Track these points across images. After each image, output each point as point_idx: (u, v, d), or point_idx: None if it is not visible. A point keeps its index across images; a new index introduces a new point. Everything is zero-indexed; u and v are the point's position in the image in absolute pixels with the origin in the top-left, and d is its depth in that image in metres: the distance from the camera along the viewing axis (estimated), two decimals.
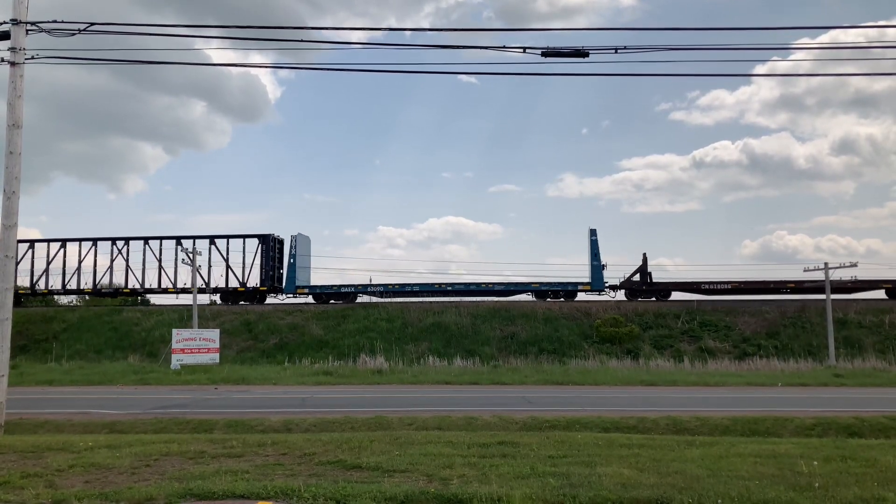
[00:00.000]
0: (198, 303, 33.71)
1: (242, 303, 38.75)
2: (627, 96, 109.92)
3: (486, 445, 8.93)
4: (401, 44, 12.63)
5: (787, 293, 36.40)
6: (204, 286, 38.01)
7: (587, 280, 37.46)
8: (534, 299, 38.34)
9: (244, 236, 38.41)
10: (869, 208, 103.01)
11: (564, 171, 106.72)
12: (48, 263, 39.53)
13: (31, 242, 40.17)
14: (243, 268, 38.12)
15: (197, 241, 38.11)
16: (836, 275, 33.46)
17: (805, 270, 33.97)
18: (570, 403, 16.93)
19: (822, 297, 32.97)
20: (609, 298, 37.77)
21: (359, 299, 39.07)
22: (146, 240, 38.59)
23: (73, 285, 39.48)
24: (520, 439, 9.59)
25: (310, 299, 38.93)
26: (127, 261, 38.75)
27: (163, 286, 38.33)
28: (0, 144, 12.78)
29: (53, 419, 14.35)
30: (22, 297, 40.42)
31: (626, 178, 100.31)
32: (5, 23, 11.56)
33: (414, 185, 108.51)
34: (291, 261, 37.92)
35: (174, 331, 29.69)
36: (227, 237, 38.54)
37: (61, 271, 39.48)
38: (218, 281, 38.34)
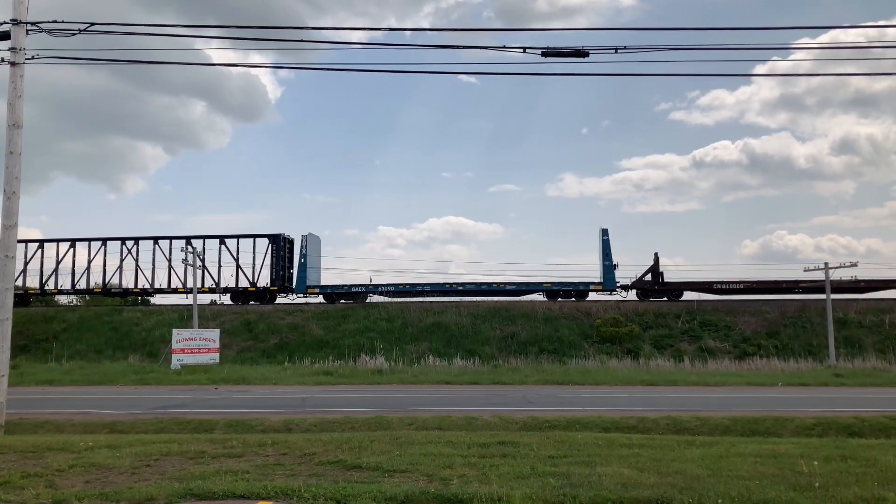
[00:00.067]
0: (202, 303, 33.73)
1: (253, 302, 38.67)
2: (627, 96, 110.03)
3: (487, 445, 8.93)
4: (401, 44, 12.64)
5: (798, 292, 36.07)
6: (214, 286, 38.03)
7: (598, 280, 37.23)
8: (544, 299, 38.14)
9: (254, 236, 38.35)
10: (869, 208, 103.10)
11: (564, 171, 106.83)
12: (57, 263, 39.61)
13: (41, 242, 40.22)
14: (253, 268, 38.08)
15: (207, 240, 38.25)
16: (839, 274, 33.45)
17: (805, 270, 33.97)
18: (571, 403, 16.92)
19: (824, 296, 32.97)
20: (621, 298, 37.54)
21: (369, 299, 38.98)
22: (156, 239, 38.55)
23: (82, 285, 39.53)
24: (520, 439, 9.59)
25: (320, 299, 38.82)
26: (137, 261, 38.78)
27: (172, 286, 38.33)
28: (0, 144, 12.78)
29: (54, 419, 14.35)
30: (31, 297, 40.53)
31: (626, 178, 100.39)
32: (5, 23, 11.57)
33: (414, 185, 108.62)
34: (302, 260, 37.83)
35: (174, 331, 29.69)
36: (238, 237, 38.51)
37: (71, 271, 39.49)
38: (228, 281, 38.31)
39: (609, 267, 36.79)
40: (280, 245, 38.25)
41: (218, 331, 30.81)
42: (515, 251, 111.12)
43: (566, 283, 37.90)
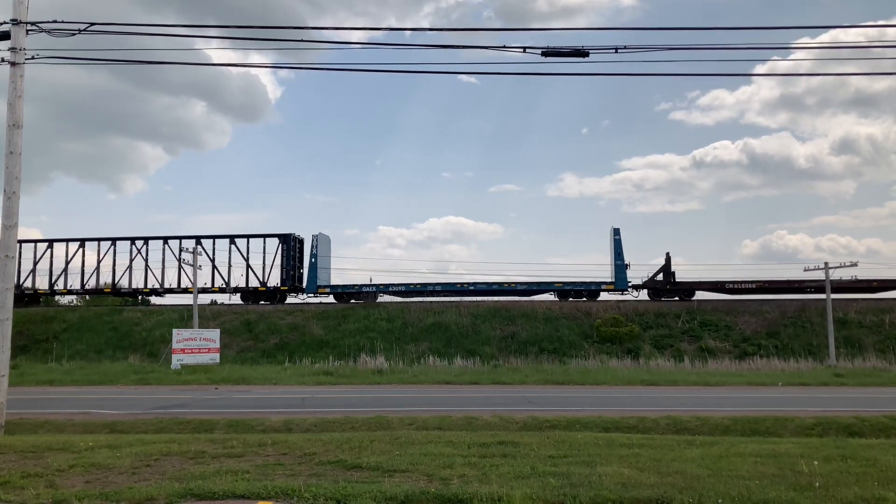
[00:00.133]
0: (202, 303, 33.70)
1: (263, 302, 38.63)
2: (627, 96, 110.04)
3: (487, 445, 8.93)
4: (401, 44, 12.62)
5: (811, 292, 35.98)
6: (224, 286, 38.02)
7: (609, 279, 37.08)
8: (555, 299, 38.01)
9: (265, 236, 38.32)
10: (869, 208, 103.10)
11: (564, 170, 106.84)
12: (67, 263, 39.59)
13: (50, 242, 40.19)
14: (263, 268, 38.06)
15: (217, 240, 38.23)
16: (846, 273, 33.49)
17: (805, 270, 33.98)
18: (571, 403, 16.92)
19: (834, 296, 32.96)
20: (633, 298, 37.40)
21: (380, 298, 38.94)
22: (165, 239, 38.52)
23: (91, 284, 39.53)
24: (520, 439, 9.59)
25: (329, 298, 38.76)
26: (147, 261, 38.77)
27: (182, 285, 38.35)
28: (0, 144, 12.78)
29: (54, 419, 14.35)
30: (41, 297, 40.54)
31: (626, 178, 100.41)
32: (5, 23, 11.57)
33: (414, 185, 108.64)
34: (313, 260, 37.79)
35: (174, 331, 29.69)
36: (248, 237, 38.49)
37: (80, 271, 39.52)
38: (238, 281, 38.30)
39: (621, 266, 36.54)
40: (290, 245, 38.24)
41: (218, 331, 30.81)
42: (515, 251, 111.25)
43: (577, 282, 37.68)
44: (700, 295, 37.41)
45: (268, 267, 37.99)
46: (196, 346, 29.24)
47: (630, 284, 36.90)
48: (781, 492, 6.07)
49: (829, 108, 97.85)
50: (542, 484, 6.35)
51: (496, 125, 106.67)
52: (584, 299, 37.48)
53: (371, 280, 39.37)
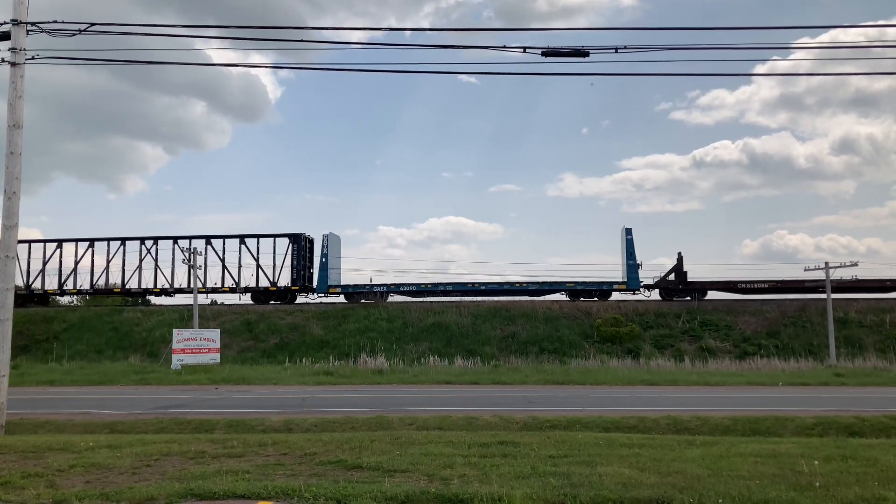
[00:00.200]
0: (202, 303, 33.69)
1: (273, 302, 38.62)
2: (627, 96, 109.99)
3: (487, 445, 8.93)
4: (401, 44, 12.63)
5: (823, 291, 36.00)
6: (234, 286, 38.03)
7: (621, 279, 36.96)
8: (567, 299, 37.92)
9: (275, 235, 38.32)
10: (869, 208, 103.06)
11: (564, 170, 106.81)
12: (76, 263, 39.60)
13: (59, 242, 40.19)
14: (273, 267, 38.04)
15: (227, 240, 38.24)
16: (846, 273, 33.46)
17: (806, 270, 33.96)
18: (571, 403, 16.93)
19: (835, 296, 32.94)
20: (644, 298, 37.28)
21: (391, 298, 38.90)
22: (175, 239, 38.45)
23: (100, 284, 39.50)
24: (520, 439, 9.59)
25: (335, 298, 38.71)
26: (156, 260, 38.74)
27: (191, 285, 38.32)
28: (0, 144, 12.79)
29: (54, 419, 14.36)
30: (50, 298, 40.59)
31: (627, 178, 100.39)
32: (6, 23, 11.58)
33: (414, 185, 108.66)
34: (323, 260, 37.72)
35: (175, 331, 29.70)
36: (258, 236, 38.47)
37: (89, 271, 39.60)
38: (248, 281, 38.28)
39: (633, 266, 36.35)
40: (301, 245, 38.21)
41: (218, 331, 30.82)
42: (515, 251, 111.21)
43: (589, 282, 37.52)
44: (712, 295, 37.31)
45: (278, 267, 38.00)
46: (196, 346, 29.25)
47: (642, 284, 36.78)
48: (782, 492, 6.07)
49: (829, 107, 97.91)
50: (542, 484, 6.35)
51: (496, 125, 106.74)
52: (595, 299, 37.39)
53: (371, 280, 39.39)
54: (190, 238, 38.19)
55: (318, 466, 7.53)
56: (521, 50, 11.64)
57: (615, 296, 37.66)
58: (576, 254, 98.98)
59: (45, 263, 39.55)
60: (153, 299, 42.60)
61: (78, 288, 39.79)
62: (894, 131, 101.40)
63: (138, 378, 25.06)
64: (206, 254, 37.91)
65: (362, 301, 38.48)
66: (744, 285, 36.46)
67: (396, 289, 38.59)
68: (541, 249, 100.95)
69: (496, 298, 38.32)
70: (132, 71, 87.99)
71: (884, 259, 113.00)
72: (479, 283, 38.43)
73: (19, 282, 39.60)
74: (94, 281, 39.39)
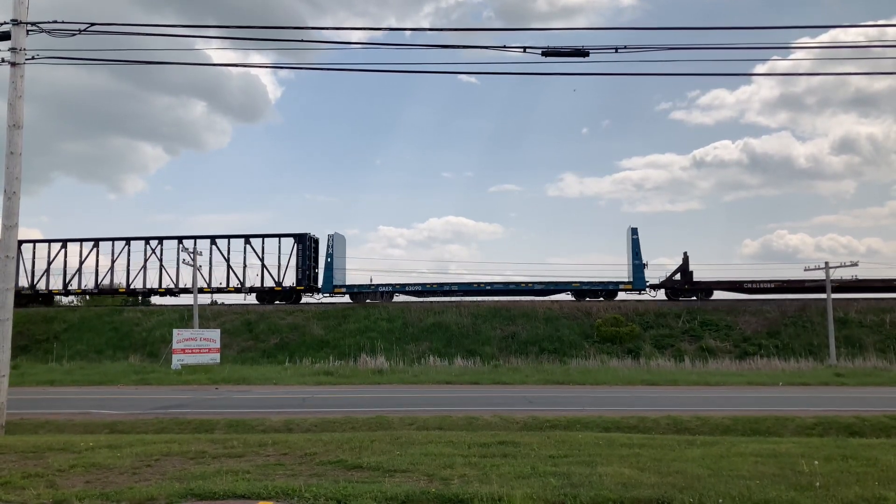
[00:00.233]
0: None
1: (278, 302, 38.61)
2: (627, 96, 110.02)
3: (487, 445, 8.92)
4: (401, 44, 12.62)
5: (829, 291, 35.92)
6: (240, 285, 38.02)
7: (626, 279, 36.95)
8: (573, 299, 37.86)
9: (280, 235, 38.31)
10: (869, 207, 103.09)
11: (564, 170, 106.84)
12: (81, 263, 39.64)
13: (64, 242, 40.23)
14: (279, 268, 38.04)
15: (232, 240, 38.32)
16: (837, 273, 33.41)
17: (806, 270, 33.98)
18: (571, 403, 16.93)
19: (835, 296, 32.92)
20: (650, 298, 37.26)
21: (396, 298, 38.86)
22: (180, 239, 38.43)
23: (105, 284, 39.49)
24: (520, 439, 9.59)
25: (345, 298, 38.70)
26: (161, 260, 38.74)
27: (197, 285, 38.25)
28: (0, 144, 12.79)
29: (54, 419, 14.36)
30: (55, 297, 40.58)
31: (627, 178, 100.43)
32: (6, 23, 11.58)
33: (414, 185, 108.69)
34: (329, 260, 37.72)
35: (175, 331, 29.71)
36: (263, 236, 38.47)
37: (94, 271, 39.54)
38: (253, 281, 38.26)
39: (639, 266, 36.32)
40: (306, 244, 38.20)
41: (218, 331, 30.82)
42: (515, 251, 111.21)
43: (595, 282, 37.49)
44: (718, 294, 37.26)
45: (283, 267, 38.01)
46: (196, 346, 29.25)
47: (648, 284, 36.73)
48: (782, 491, 6.07)
49: (829, 107, 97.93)
50: (542, 484, 6.35)
51: (496, 125, 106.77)
52: (602, 299, 37.38)
53: (371, 280, 39.41)
54: (195, 238, 38.19)
55: (319, 466, 7.53)
56: (521, 50, 11.64)
57: (621, 295, 37.62)
58: (576, 254, 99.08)
59: (49, 263, 39.58)
60: (157, 299, 42.60)
61: (83, 288, 39.79)
62: (894, 131, 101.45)
63: (138, 378, 25.06)
64: (210, 254, 37.94)
65: (367, 301, 38.40)
66: (750, 285, 36.37)
67: (402, 289, 38.56)
68: (541, 249, 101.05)
69: (496, 298, 38.31)
70: (132, 71, 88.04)
71: (884, 259, 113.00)
72: (485, 283, 38.36)
73: (24, 282, 39.67)
74: (99, 281, 39.38)
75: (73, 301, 43.70)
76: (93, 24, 11.56)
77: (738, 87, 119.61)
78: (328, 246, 37.91)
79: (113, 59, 14.78)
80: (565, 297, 38.31)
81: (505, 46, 11.73)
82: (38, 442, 9.67)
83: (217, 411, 15.73)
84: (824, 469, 7.14)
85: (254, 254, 38.24)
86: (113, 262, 39.22)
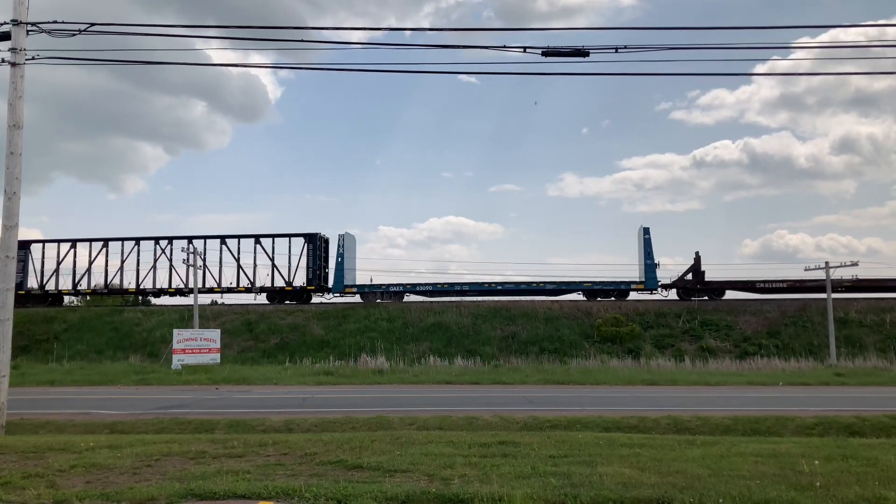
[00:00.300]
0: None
1: (288, 302, 38.57)
2: (627, 96, 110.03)
3: (487, 445, 8.92)
4: (401, 44, 12.64)
5: (842, 291, 35.57)
6: (250, 286, 38.01)
7: (638, 279, 36.86)
8: (584, 299, 37.79)
9: (290, 235, 38.28)
10: (869, 207, 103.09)
11: (565, 170, 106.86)
12: (90, 263, 39.62)
13: (73, 242, 40.21)
14: (289, 268, 38.01)
15: (242, 240, 38.28)
16: (837, 273, 33.41)
17: (806, 270, 33.98)
18: (571, 403, 16.93)
19: (835, 295, 32.90)
20: (662, 297, 37.17)
21: (406, 298, 38.84)
22: (190, 239, 38.36)
23: (115, 284, 39.47)
24: (521, 439, 9.59)
25: (356, 298, 38.67)
26: (171, 260, 38.74)
27: (207, 285, 38.33)
28: (0, 145, 12.79)
29: (54, 419, 14.36)
30: (64, 297, 40.62)
31: (627, 178, 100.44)
32: (6, 23, 11.58)
33: (414, 185, 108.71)
34: (339, 260, 37.68)
35: (175, 331, 29.71)
36: (273, 236, 38.44)
37: (104, 271, 39.56)
38: (264, 280, 38.22)
39: (651, 266, 36.20)
40: (317, 244, 38.17)
41: (219, 331, 30.83)
42: (515, 251, 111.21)
43: (607, 282, 37.41)
44: (730, 294, 37.17)
45: (293, 267, 37.97)
46: (196, 346, 29.25)
47: (659, 284, 36.65)
48: (782, 491, 6.06)
49: (829, 107, 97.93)
50: (542, 484, 6.35)
51: (496, 125, 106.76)
52: (613, 299, 37.30)
53: (371, 280, 39.37)
54: (205, 238, 38.23)
55: (319, 466, 7.53)
56: (521, 50, 11.64)
57: (633, 295, 37.54)
58: (576, 254, 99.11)
59: (59, 263, 39.62)
60: (167, 300, 42.52)
61: (93, 288, 39.76)
62: (895, 131, 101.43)
63: (139, 378, 25.06)
64: (220, 254, 37.99)
65: (378, 301, 38.30)
66: (762, 285, 36.27)
67: (412, 289, 38.51)
68: (541, 249, 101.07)
69: (496, 298, 38.29)
70: (132, 71, 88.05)
71: (884, 259, 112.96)
72: (496, 283, 38.28)
73: (33, 282, 39.69)
74: (109, 281, 39.34)
75: (73, 301, 43.71)
76: (93, 25, 11.56)
77: (738, 86, 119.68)
78: (339, 245, 37.87)
79: (113, 59, 14.79)
80: (566, 297, 38.25)
81: (505, 46, 11.73)
82: (39, 442, 9.67)
83: (217, 411, 15.73)
84: (825, 469, 7.14)
85: (264, 254, 38.25)
86: (123, 262, 39.26)
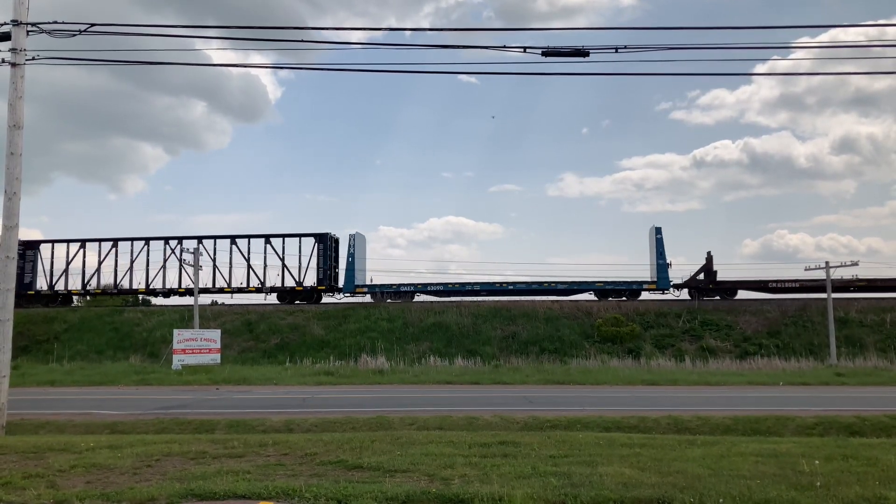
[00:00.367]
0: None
1: (298, 302, 38.54)
2: (627, 96, 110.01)
3: (488, 445, 8.92)
4: (401, 44, 12.63)
5: (853, 291, 35.53)
6: (260, 286, 38.00)
7: (649, 279, 36.83)
8: (585, 299, 37.75)
9: (300, 235, 38.23)
10: (869, 207, 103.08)
11: (565, 170, 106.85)
12: (99, 263, 39.62)
13: (83, 242, 40.17)
14: (299, 268, 37.93)
15: (252, 240, 38.23)
16: (837, 273, 33.41)
17: (806, 269, 33.99)
18: (572, 403, 16.92)
19: (836, 295, 32.89)
20: (674, 297, 37.11)
21: (416, 297, 38.81)
22: (200, 239, 38.25)
23: (125, 285, 39.45)
24: (521, 439, 9.59)
25: (366, 298, 38.61)
26: (181, 260, 38.73)
27: (217, 286, 38.30)
28: (1, 145, 12.79)
29: (55, 420, 14.36)
30: (73, 297, 40.64)
31: (627, 178, 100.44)
32: (6, 24, 11.58)
33: (414, 185, 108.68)
34: (350, 260, 37.63)
35: (175, 331, 29.71)
36: (283, 236, 38.39)
37: (113, 271, 39.50)
38: (274, 281, 38.17)
39: (663, 266, 36.12)
40: (327, 244, 38.15)
41: (219, 331, 30.83)
42: (516, 251, 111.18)
43: (619, 282, 37.36)
44: (742, 294, 37.10)
45: (303, 267, 37.89)
46: (197, 346, 29.26)
47: (672, 284, 36.58)
48: (783, 491, 6.06)
49: (829, 107, 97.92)
50: (543, 484, 6.35)
51: (496, 125, 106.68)
52: (625, 299, 37.26)
53: (371, 280, 39.34)
54: (215, 238, 38.23)
55: (319, 466, 7.53)
56: (521, 50, 11.64)
57: (645, 295, 37.48)
58: (577, 253, 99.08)
59: (68, 263, 39.63)
60: (162, 300, 42.50)
61: (102, 287, 39.76)
62: (894, 131, 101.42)
63: (139, 378, 25.07)
64: (230, 254, 38.00)
65: (388, 301, 38.22)
66: (774, 284, 36.21)
67: (423, 288, 38.47)
68: (541, 249, 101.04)
69: (497, 298, 38.29)
70: (132, 71, 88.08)
71: (884, 258, 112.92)
72: (508, 283, 38.20)
73: (43, 282, 39.69)
74: (118, 281, 39.33)
75: (79, 302, 43.74)
76: (93, 25, 11.56)
77: (738, 86, 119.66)
78: (350, 246, 37.82)
79: (113, 60, 14.79)
80: (572, 297, 38.16)
81: (505, 46, 11.73)
82: (39, 442, 9.67)
83: (217, 411, 15.74)
84: (825, 469, 7.14)
85: (274, 254, 38.19)
86: (132, 262, 39.14)
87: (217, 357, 29.45)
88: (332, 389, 21.74)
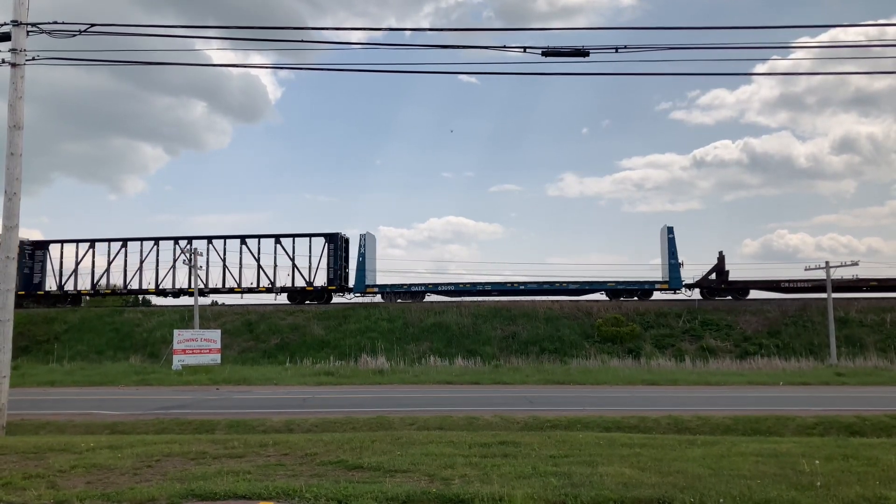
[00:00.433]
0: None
1: (309, 302, 38.48)
2: (627, 96, 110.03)
3: (488, 445, 8.92)
4: (401, 44, 12.63)
5: (865, 291, 35.37)
6: (270, 286, 37.97)
7: (661, 279, 36.75)
8: (606, 298, 37.66)
9: (310, 235, 38.14)
10: (870, 207, 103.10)
11: (565, 170, 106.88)
12: (109, 263, 39.53)
13: (92, 242, 40.11)
14: (310, 268, 37.86)
15: (262, 239, 38.19)
16: (837, 273, 33.40)
17: (806, 269, 33.98)
18: (572, 403, 16.92)
19: (836, 295, 32.88)
20: (686, 297, 37.00)
21: (427, 298, 38.80)
22: (209, 239, 38.26)
23: (134, 285, 39.38)
24: (521, 439, 9.59)
25: (378, 298, 38.56)
26: (190, 260, 38.69)
27: (227, 286, 38.25)
28: (1, 145, 12.79)
29: (55, 420, 14.37)
30: (84, 298, 40.67)
31: (627, 178, 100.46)
32: (6, 24, 11.59)
33: (414, 185, 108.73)
34: (361, 259, 37.54)
35: (175, 331, 29.71)
36: (293, 236, 38.29)
37: (123, 271, 39.49)
38: (284, 281, 38.09)
39: (675, 266, 35.97)
40: (337, 244, 38.07)
41: (219, 331, 30.83)
42: (516, 251, 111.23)
43: (631, 282, 37.27)
44: (754, 294, 37.01)
45: (314, 267, 37.79)
46: (197, 346, 29.26)
47: (683, 284, 36.50)
48: (783, 491, 6.06)
49: (829, 107, 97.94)
50: (543, 484, 6.35)
51: (496, 125, 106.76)
52: (636, 298, 37.20)
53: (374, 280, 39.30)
54: (224, 238, 38.18)
55: (319, 467, 7.53)
56: (521, 50, 11.64)
57: (657, 295, 37.42)
58: (577, 253, 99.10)
59: (77, 264, 39.60)
60: (160, 300, 42.50)
61: (111, 287, 39.73)
62: (894, 130, 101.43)
63: (139, 379, 25.07)
64: (241, 254, 37.96)
65: (399, 301, 38.14)
66: (787, 284, 36.11)
67: (434, 288, 38.40)
68: (541, 249, 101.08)
69: (497, 298, 38.30)
70: (132, 71, 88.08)
71: (884, 258, 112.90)
72: (519, 283, 38.11)
73: (52, 283, 39.69)
74: (128, 281, 39.32)
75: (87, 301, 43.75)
76: (93, 25, 11.56)
77: (738, 86, 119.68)
78: (360, 245, 37.73)
79: (113, 60, 14.77)
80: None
81: (505, 46, 11.73)
82: (39, 443, 9.67)
83: (218, 412, 15.74)
84: (825, 468, 7.14)
85: (284, 254, 38.10)
86: (142, 262, 39.05)
87: (217, 357, 29.45)
88: (333, 389, 21.74)
